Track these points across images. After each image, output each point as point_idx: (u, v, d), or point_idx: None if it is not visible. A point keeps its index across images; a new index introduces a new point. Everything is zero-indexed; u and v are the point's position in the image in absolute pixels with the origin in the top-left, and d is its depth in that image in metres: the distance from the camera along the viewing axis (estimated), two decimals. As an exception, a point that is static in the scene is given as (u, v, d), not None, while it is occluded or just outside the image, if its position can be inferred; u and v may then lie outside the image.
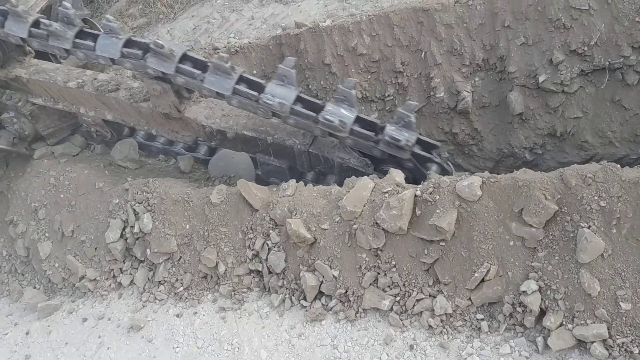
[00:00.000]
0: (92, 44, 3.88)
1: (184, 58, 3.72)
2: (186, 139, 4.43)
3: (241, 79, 3.67)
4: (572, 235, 2.84)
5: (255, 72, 4.93)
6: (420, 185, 3.24)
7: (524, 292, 2.92)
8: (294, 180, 3.73)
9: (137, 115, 4.44)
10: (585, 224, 2.78)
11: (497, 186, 3.01)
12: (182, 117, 4.20)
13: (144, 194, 4.03)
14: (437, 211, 3.08)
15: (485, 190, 3.03)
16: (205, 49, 5.16)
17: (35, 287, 4.40)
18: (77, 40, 3.94)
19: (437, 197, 3.10)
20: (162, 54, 3.66)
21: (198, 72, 3.67)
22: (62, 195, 4.36)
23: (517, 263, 2.97)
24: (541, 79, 4.13)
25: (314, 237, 3.43)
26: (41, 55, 4.79)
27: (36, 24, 4.07)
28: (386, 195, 3.27)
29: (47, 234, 4.37)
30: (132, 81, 4.48)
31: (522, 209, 2.91)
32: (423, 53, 4.41)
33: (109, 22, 3.81)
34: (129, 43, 3.84)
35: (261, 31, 5.54)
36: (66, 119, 4.93)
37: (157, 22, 6.74)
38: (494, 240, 3.00)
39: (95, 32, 3.99)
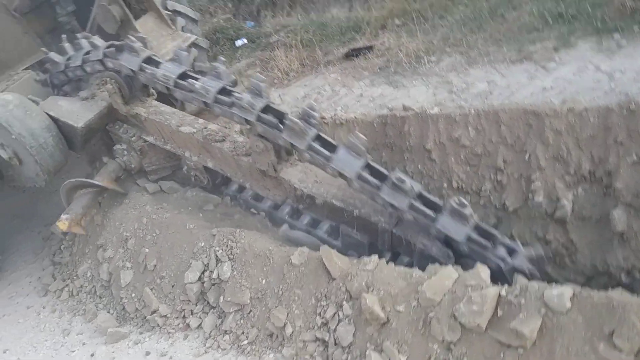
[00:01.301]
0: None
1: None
2: (276, 198, 4.55)
3: None
4: (666, 370, 2.61)
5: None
6: (506, 285, 3.13)
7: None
8: (377, 255, 3.70)
9: (235, 168, 4.63)
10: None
11: (590, 302, 2.84)
12: (277, 177, 4.33)
13: (229, 242, 4.14)
14: (520, 315, 2.94)
15: (576, 304, 2.87)
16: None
17: (109, 312, 4.54)
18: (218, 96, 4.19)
19: (523, 300, 2.97)
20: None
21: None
22: (153, 230, 4.55)
23: (600, 387, 2.75)
24: (649, 201, 3.97)
25: (387, 317, 3.36)
26: (160, 98, 5.16)
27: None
28: (469, 288, 3.17)
29: (131, 264, 4.55)
30: (238, 135, 4.69)
31: (614, 331, 2.73)
32: (527, 155, 4.36)
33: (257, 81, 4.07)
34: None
35: (368, 108, 5.69)
36: (170, 159, 5.22)
37: (272, 86, 7.09)
38: (578, 358, 2.81)
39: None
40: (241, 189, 4.94)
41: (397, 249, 4.03)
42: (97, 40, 4.83)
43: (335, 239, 4.29)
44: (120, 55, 4.53)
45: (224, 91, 4.17)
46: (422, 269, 3.56)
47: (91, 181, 4.78)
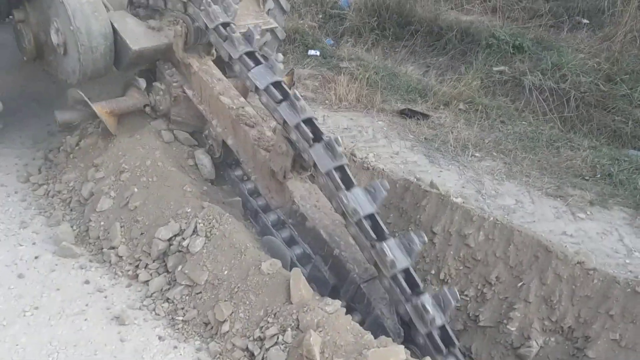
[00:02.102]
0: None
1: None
2: (272, 202, 4.51)
3: None
4: None
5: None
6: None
7: None
8: (340, 302, 3.64)
9: (251, 156, 4.62)
10: None
11: None
12: (282, 183, 4.31)
13: (213, 222, 4.09)
14: None
15: None
16: (345, 148, 5.37)
17: (72, 227, 4.49)
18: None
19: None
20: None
21: None
22: (152, 175, 4.52)
23: None
24: (612, 383, 3.90)
25: (321, 363, 3.29)
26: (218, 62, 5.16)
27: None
28: (409, 376, 3.11)
29: (115, 194, 4.51)
30: (268, 130, 4.68)
31: None
32: (521, 283, 4.32)
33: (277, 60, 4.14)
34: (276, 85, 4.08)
35: (397, 168, 5.69)
36: (197, 119, 5.21)
37: (320, 105, 7.13)
38: None
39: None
40: (244, 178, 4.89)
41: (355, 304, 3.95)
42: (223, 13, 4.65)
43: (304, 266, 4.21)
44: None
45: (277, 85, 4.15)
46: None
47: (90, 102, 4.72)
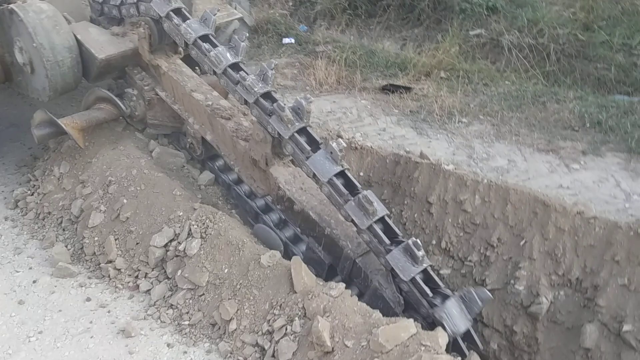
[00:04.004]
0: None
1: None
2: (259, 191, 4.51)
3: None
4: None
5: (361, 174, 4.99)
6: (459, 358, 3.05)
7: None
8: (344, 284, 3.61)
9: (231, 149, 4.61)
10: None
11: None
12: (266, 171, 4.29)
13: (207, 222, 4.05)
14: (463, 392, 2.85)
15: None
16: (330, 132, 5.32)
17: (67, 247, 4.43)
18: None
19: (470, 378, 2.88)
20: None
21: None
22: (139, 184, 4.46)
23: None
24: (625, 327, 3.86)
25: (332, 348, 3.26)
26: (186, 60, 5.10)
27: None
28: (422, 348, 3.08)
29: (105, 208, 4.45)
30: (245, 119, 4.64)
31: None
32: (523, 241, 4.29)
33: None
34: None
35: (386, 144, 5.64)
36: (174, 120, 5.18)
37: (301, 91, 7.05)
38: None
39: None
40: (226, 168, 4.91)
41: (353, 279, 3.94)
42: None
43: (296, 245, 4.23)
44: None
45: (235, 67, 4.19)
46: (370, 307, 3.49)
47: (57, 121, 4.64)
